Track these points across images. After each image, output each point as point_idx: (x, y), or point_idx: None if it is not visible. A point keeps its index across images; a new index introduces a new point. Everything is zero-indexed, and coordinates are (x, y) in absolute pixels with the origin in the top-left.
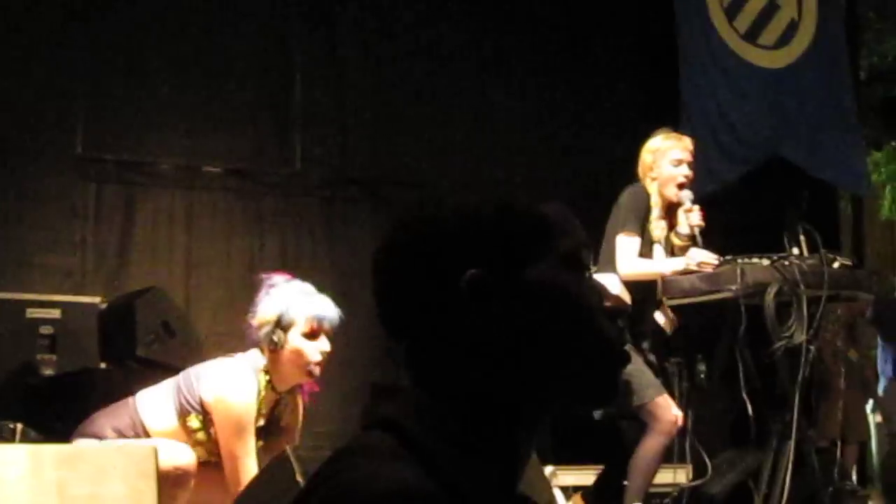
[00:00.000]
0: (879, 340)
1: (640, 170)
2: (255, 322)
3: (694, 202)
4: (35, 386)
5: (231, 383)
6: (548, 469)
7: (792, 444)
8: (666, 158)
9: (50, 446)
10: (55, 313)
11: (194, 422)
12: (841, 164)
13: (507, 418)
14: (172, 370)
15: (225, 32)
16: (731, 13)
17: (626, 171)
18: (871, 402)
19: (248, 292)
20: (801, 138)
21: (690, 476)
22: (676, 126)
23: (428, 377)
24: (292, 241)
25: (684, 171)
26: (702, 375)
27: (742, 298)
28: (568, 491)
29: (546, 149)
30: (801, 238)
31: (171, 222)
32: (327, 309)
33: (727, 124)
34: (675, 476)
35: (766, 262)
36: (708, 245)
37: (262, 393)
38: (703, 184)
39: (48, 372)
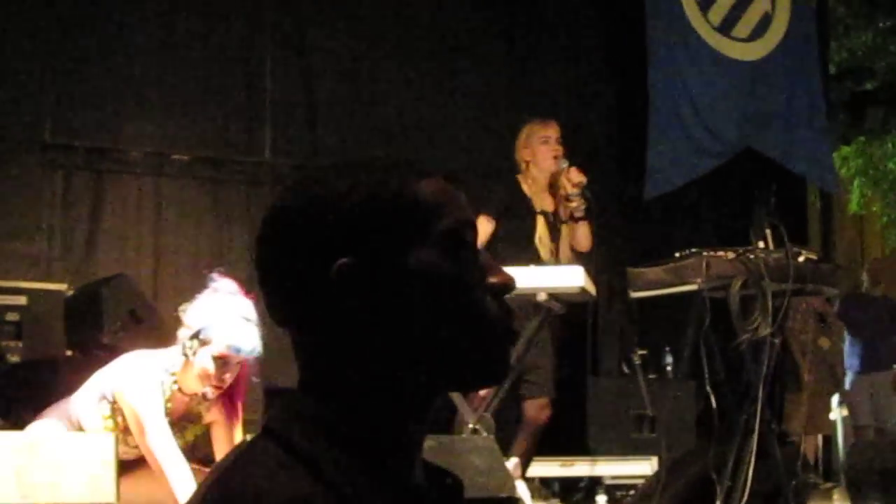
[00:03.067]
0: (846, 335)
1: (517, 157)
2: (182, 319)
3: (570, 165)
4: None
5: (131, 380)
6: (511, 461)
7: (755, 437)
8: (535, 139)
9: (10, 433)
10: (21, 300)
11: (105, 409)
12: (811, 158)
13: (393, 409)
14: None
15: (195, 21)
16: (705, 4)
17: (594, 156)
18: (837, 395)
19: None
20: (773, 131)
21: (655, 468)
22: (646, 120)
23: (310, 372)
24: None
25: (553, 147)
26: (667, 368)
27: (707, 291)
28: (533, 482)
29: (515, 138)
30: (768, 231)
31: (138, 210)
32: (246, 342)
33: (699, 116)
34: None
35: (731, 254)
36: (674, 235)
37: (168, 393)
38: (673, 176)
39: (13, 359)
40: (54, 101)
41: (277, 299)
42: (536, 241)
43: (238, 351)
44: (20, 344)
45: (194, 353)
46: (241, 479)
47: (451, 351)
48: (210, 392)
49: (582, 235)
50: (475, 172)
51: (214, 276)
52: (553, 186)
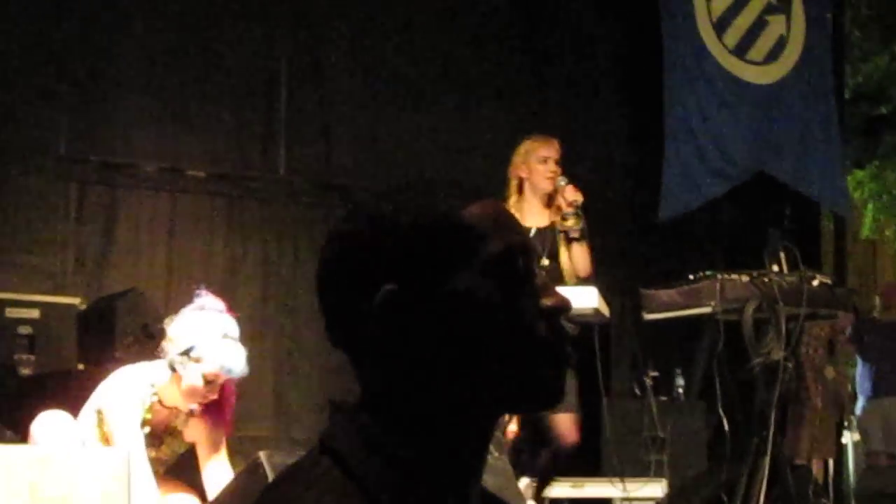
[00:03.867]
0: (858, 359)
1: (510, 172)
2: (169, 334)
3: (568, 183)
4: (12, 386)
5: (111, 395)
6: (523, 482)
7: (767, 460)
8: (533, 157)
9: (23, 447)
10: (34, 313)
11: (93, 427)
12: (824, 182)
13: (448, 433)
14: None
15: (211, 37)
16: (720, 28)
17: (609, 184)
18: (850, 419)
19: (229, 297)
20: (787, 155)
21: (666, 490)
22: (661, 142)
23: (366, 392)
24: (274, 247)
25: (551, 168)
26: (679, 390)
27: (720, 314)
28: (544, 503)
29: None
30: (782, 255)
31: (152, 225)
32: (237, 363)
33: (713, 139)
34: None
35: (745, 278)
36: (688, 257)
37: (147, 404)
38: (688, 198)
39: (26, 372)
40: (70, 114)
41: (331, 323)
42: None
43: (229, 372)
44: (32, 357)
45: (183, 370)
46: (292, 493)
47: (502, 376)
48: (196, 408)
49: (579, 257)
50: (491, 193)
51: (201, 292)
52: (551, 201)
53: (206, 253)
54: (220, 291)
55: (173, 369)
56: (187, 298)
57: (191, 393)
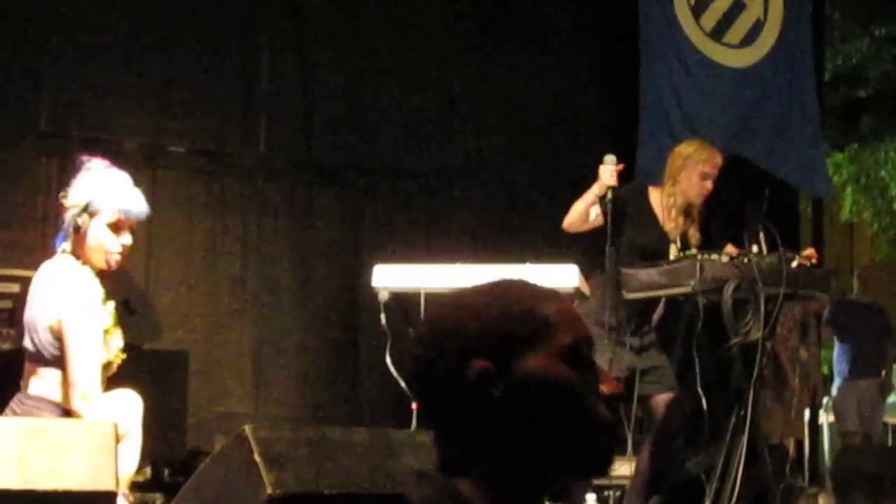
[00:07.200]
0: (836, 340)
1: (667, 169)
2: (67, 203)
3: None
4: None
5: (76, 295)
6: None
7: (745, 439)
8: (696, 169)
9: (10, 419)
10: (14, 288)
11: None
12: (801, 166)
13: (520, 495)
14: (131, 348)
15: (192, 13)
16: (698, 10)
17: (586, 158)
18: (825, 400)
19: (209, 273)
20: (762, 138)
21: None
22: (636, 123)
23: (453, 456)
24: (254, 224)
25: (708, 185)
26: None
27: (700, 294)
28: None
29: (511, 136)
30: (761, 236)
31: None
32: (135, 204)
33: (688, 122)
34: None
35: (725, 258)
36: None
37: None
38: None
39: (6, 346)
40: (51, 89)
41: (425, 395)
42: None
43: (129, 213)
44: (12, 332)
45: (85, 227)
46: None
47: (564, 444)
48: (113, 262)
49: None
50: (470, 172)
51: (83, 158)
52: (688, 212)
53: (186, 229)
54: (200, 268)
55: (77, 230)
56: (168, 274)
57: (100, 249)
